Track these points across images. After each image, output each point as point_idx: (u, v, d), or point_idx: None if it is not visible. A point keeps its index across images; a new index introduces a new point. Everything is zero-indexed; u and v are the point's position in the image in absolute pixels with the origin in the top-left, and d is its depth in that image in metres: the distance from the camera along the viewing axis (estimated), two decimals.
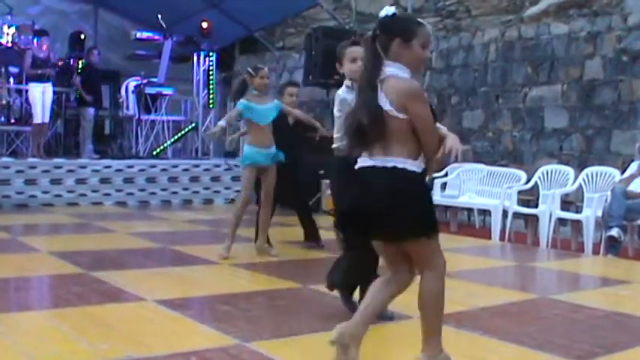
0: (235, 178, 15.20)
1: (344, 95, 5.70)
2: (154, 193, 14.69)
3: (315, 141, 9.39)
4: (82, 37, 16.81)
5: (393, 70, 3.96)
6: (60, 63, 15.78)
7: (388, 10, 4.02)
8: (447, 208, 12.52)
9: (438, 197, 11.95)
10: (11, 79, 15.47)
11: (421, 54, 4.01)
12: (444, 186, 12.36)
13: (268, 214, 8.58)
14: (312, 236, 9.41)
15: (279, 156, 8.38)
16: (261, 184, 8.44)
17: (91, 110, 15.41)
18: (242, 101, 8.23)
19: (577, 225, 10.47)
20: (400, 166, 3.88)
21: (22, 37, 15.74)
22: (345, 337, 3.98)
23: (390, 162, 3.89)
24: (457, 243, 10.31)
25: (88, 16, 18.62)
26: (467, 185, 12.25)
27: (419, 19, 4.13)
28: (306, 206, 9.82)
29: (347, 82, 5.84)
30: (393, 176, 3.89)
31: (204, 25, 16.81)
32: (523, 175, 11.46)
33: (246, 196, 8.40)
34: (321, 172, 11.96)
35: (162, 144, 16.80)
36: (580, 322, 5.96)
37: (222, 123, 8.26)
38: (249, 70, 8.44)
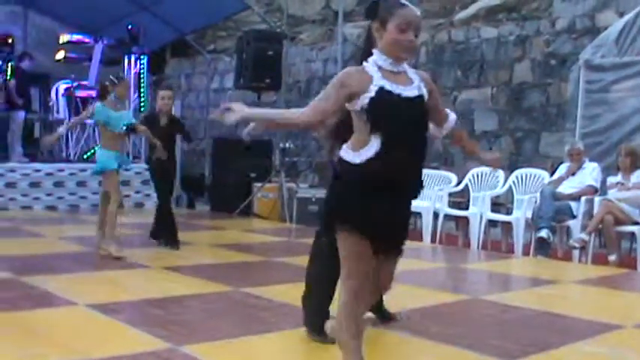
0: None
1: None
2: (84, 197, 14.47)
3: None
4: (10, 40, 16.48)
5: (369, 59, 3.72)
6: None
7: None
8: None
9: None
10: None
11: (396, 37, 3.62)
12: None
13: (113, 213, 8.57)
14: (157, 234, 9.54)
15: (127, 161, 9.26)
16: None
17: (21, 113, 15.14)
18: (99, 104, 8.66)
19: (507, 226, 10.57)
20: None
21: None
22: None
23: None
24: None
25: (17, 18, 18.29)
26: None
27: (403, 1, 3.71)
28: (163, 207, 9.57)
29: None
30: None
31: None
32: (454, 178, 11.53)
33: (119, 198, 8.88)
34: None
35: (93, 147, 16.54)
36: (510, 322, 6.02)
37: (61, 130, 9.44)
38: (112, 78, 8.83)
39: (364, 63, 3.69)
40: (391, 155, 3.55)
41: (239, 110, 3.58)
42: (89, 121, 15.95)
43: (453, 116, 4.10)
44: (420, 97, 3.69)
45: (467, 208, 10.95)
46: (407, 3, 3.70)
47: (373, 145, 3.55)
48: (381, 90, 3.59)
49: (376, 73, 3.63)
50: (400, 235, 3.77)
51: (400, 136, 3.60)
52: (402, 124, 3.62)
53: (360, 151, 3.58)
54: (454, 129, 4.14)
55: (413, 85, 3.69)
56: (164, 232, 9.39)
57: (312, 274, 5.10)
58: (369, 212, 3.57)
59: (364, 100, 3.57)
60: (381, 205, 3.58)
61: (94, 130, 16.54)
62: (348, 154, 3.62)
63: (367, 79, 3.61)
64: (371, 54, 3.70)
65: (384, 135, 3.55)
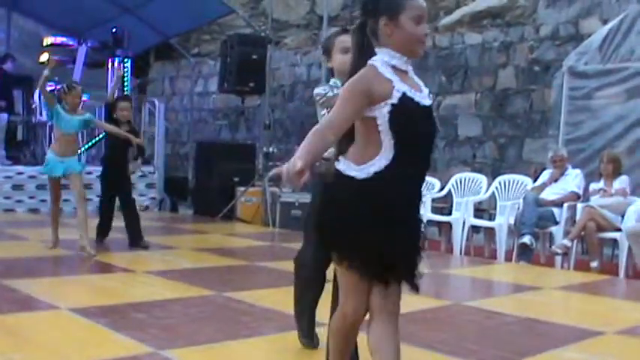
0: (150, 185, 15.02)
1: (320, 92, 4.49)
2: (67, 200, 14.31)
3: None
4: None
5: (375, 59, 3.27)
6: None
7: None
8: None
9: None
10: None
11: (413, 31, 3.25)
12: None
13: (85, 214, 8.99)
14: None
15: (75, 167, 9.01)
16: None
17: (4, 116, 15.11)
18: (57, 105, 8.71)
19: (490, 232, 10.59)
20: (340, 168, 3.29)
21: None
22: None
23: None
24: None
25: (0, 20, 18.21)
26: None
27: None
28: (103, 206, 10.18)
29: (333, 80, 4.61)
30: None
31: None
32: (437, 183, 11.55)
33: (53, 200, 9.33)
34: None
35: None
36: (492, 328, 6.02)
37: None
38: (64, 86, 8.91)
39: (371, 63, 3.28)
40: (402, 170, 3.21)
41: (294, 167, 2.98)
42: None
43: None
44: (431, 107, 3.38)
45: (450, 214, 10.96)
46: None
47: (384, 157, 3.19)
48: (404, 96, 3.22)
49: (393, 75, 3.24)
50: (408, 260, 3.35)
51: (414, 150, 3.27)
52: (419, 137, 3.29)
53: (366, 163, 3.20)
54: None
55: (424, 93, 3.34)
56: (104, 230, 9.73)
57: (299, 278, 5.02)
58: (374, 247, 3.21)
59: (384, 107, 3.18)
60: (386, 232, 3.22)
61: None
62: (350, 167, 3.24)
63: (386, 83, 3.21)
64: (372, 54, 3.31)
65: (399, 147, 3.19)
